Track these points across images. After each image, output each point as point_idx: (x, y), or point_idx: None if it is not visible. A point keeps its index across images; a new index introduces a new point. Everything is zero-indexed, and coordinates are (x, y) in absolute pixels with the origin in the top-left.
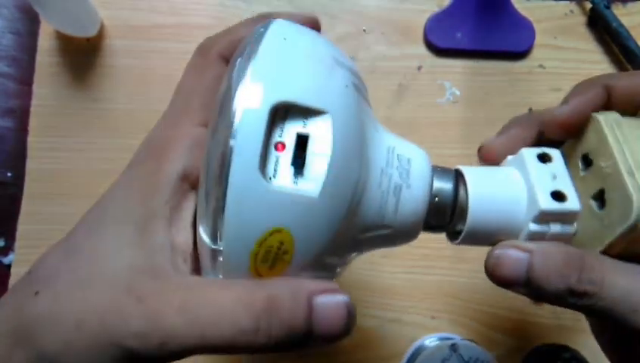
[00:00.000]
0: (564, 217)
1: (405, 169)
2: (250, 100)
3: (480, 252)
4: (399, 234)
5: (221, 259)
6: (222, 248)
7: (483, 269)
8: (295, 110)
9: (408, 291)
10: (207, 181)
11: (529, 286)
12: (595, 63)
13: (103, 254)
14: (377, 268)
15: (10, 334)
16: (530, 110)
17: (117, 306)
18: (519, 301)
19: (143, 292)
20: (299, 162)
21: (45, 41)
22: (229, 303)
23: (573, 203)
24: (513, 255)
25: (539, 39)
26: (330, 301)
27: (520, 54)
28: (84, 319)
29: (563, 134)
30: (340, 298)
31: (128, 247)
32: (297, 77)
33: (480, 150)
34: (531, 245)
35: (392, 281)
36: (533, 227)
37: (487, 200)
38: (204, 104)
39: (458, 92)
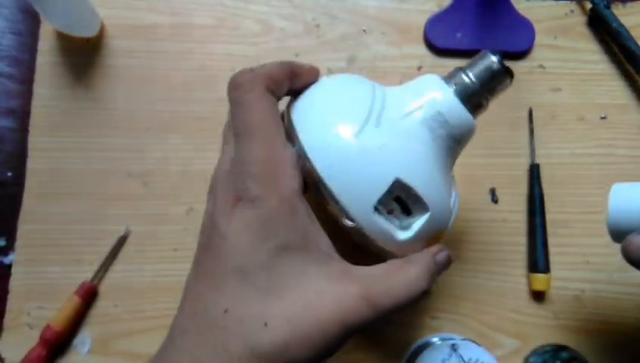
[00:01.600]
0: None
1: None
2: None
3: (479, 253)
4: None
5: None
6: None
7: (483, 269)
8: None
9: None
10: None
11: None
12: (595, 63)
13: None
14: None
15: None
16: (530, 110)
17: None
18: (519, 301)
19: (352, 288)
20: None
21: (46, 42)
22: (413, 276)
23: None
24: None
25: (539, 39)
26: (443, 254)
27: (520, 54)
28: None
29: None
30: (443, 254)
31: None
32: None
33: None
34: None
35: None
36: None
37: (623, 204)
38: (280, 129)
39: None
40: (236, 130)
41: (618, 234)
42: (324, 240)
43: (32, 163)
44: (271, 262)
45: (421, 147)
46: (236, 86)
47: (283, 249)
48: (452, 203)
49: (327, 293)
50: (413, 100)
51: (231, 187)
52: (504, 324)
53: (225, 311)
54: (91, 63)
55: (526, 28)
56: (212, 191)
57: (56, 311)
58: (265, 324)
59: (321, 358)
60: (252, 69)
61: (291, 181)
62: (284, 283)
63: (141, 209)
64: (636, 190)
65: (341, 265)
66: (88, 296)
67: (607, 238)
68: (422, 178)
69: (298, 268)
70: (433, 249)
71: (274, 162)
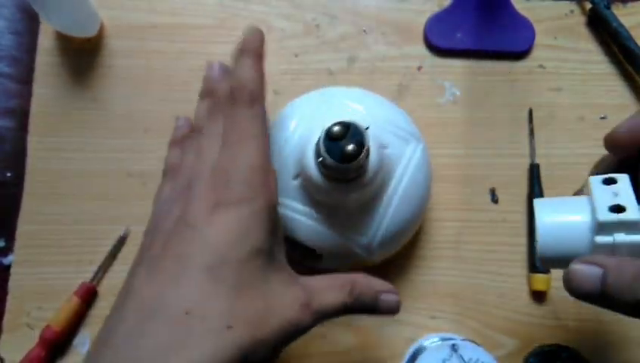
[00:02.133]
0: (627, 227)
1: None
2: None
3: (479, 253)
4: None
5: None
6: None
7: (483, 269)
8: None
9: (409, 291)
10: None
11: (604, 299)
12: (595, 63)
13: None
14: (377, 267)
15: None
16: (530, 110)
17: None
18: (519, 301)
19: (295, 295)
20: None
21: (45, 41)
22: (336, 288)
23: (631, 213)
24: (584, 271)
25: (539, 39)
26: (389, 298)
27: (520, 54)
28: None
29: (619, 151)
30: (392, 297)
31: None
32: None
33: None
34: (607, 260)
35: (392, 281)
36: (599, 239)
37: (553, 226)
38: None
39: (458, 92)
40: (229, 138)
41: (550, 260)
42: (282, 251)
43: (32, 163)
44: (242, 263)
45: (305, 207)
46: (239, 100)
47: (255, 252)
48: (363, 240)
49: (282, 297)
50: (298, 166)
51: (211, 188)
52: (504, 324)
53: (187, 311)
54: (90, 63)
55: (526, 28)
56: (173, 193)
57: (55, 312)
58: (229, 327)
59: (272, 359)
60: (248, 82)
61: (274, 194)
62: (250, 284)
63: (141, 209)
64: (564, 206)
65: (292, 273)
66: (88, 296)
67: None
68: (307, 233)
69: (262, 272)
70: (376, 283)
71: (265, 170)
